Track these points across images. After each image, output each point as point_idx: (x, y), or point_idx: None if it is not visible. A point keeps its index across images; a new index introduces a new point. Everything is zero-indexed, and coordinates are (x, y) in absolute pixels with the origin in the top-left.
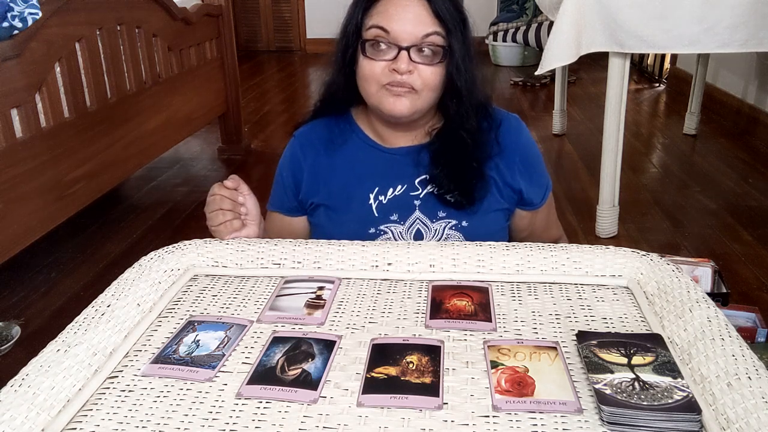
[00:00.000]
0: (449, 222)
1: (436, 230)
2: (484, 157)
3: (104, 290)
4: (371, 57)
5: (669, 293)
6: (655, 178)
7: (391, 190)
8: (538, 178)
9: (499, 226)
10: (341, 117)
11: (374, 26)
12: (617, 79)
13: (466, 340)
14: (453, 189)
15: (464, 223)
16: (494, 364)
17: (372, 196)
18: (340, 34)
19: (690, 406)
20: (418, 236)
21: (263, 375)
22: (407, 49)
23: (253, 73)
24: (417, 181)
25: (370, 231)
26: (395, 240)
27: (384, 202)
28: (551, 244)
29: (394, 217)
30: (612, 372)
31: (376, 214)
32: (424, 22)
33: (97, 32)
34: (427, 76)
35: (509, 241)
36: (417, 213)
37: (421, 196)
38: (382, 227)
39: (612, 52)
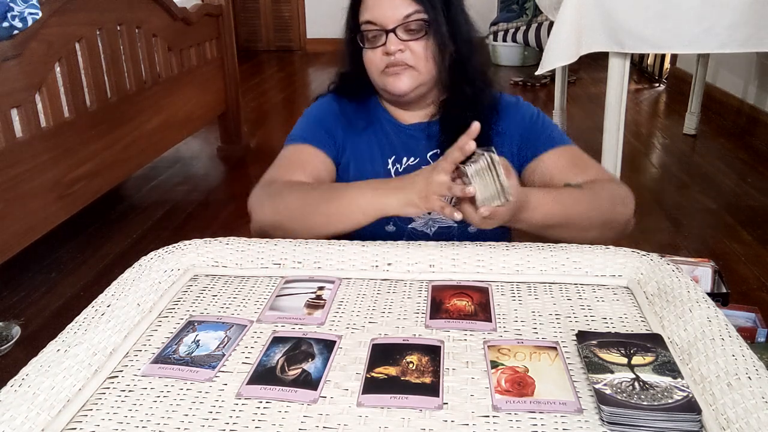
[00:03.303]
0: None
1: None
2: (486, 125)
3: (104, 290)
4: (368, 47)
5: (669, 293)
6: (655, 178)
7: (405, 159)
8: (541, 128)
9: None
10: (366, 98)
11: (363, 21)
12: (617, 79)
13: (466, 340)
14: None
15: None
16: (494, 364)
17: (390, 162)
18: (344, 33)
19: (690, 406)
20: None
21: (263, 375)
22: (393, 30)
23: (253, 72)
24: (429, 155)
25: None
26: None
27: (400, 170)
28: (551, 244)
29: None
30: (612, 372)
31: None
32: (402, 5)
33: (97, 32)
34: (418, 51)
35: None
36: None
37: None
38: None
39: (612, 52)
